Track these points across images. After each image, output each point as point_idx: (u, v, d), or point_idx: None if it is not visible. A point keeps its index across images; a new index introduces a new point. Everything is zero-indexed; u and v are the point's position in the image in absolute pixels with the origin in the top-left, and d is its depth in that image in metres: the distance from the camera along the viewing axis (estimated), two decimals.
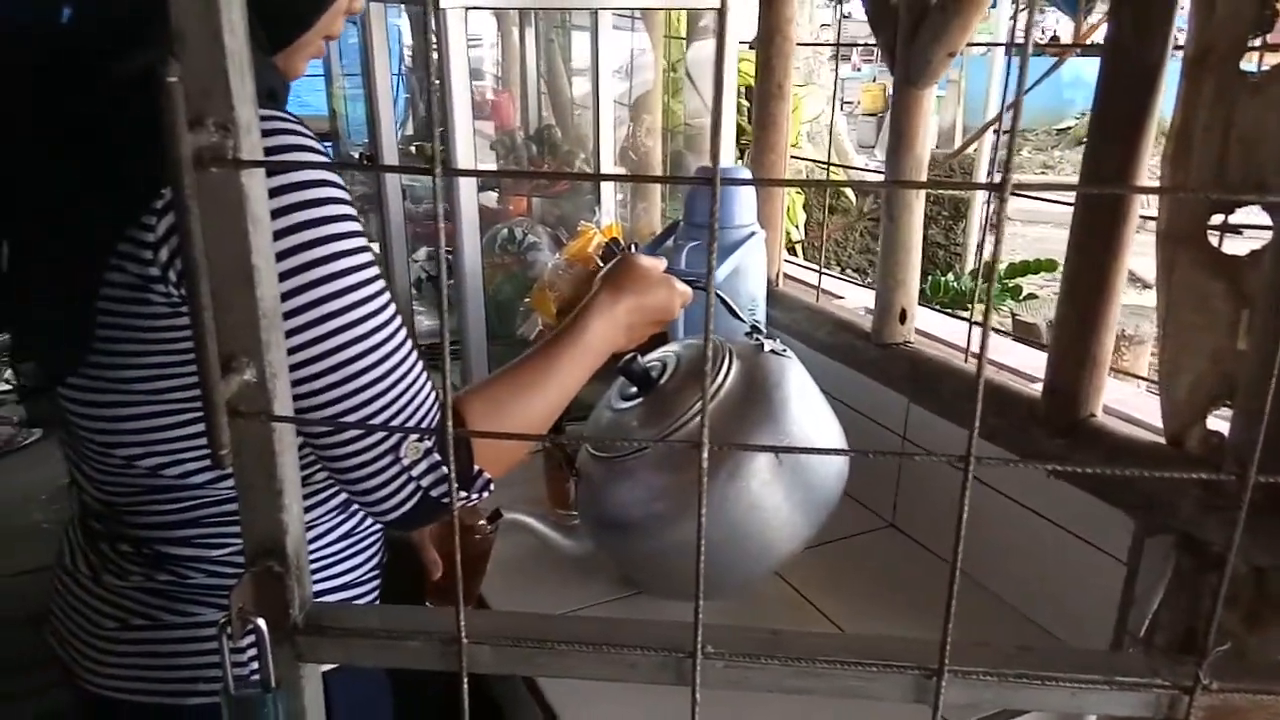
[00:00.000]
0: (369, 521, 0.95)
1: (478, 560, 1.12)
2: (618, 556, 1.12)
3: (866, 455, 0.66)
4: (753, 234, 1.37)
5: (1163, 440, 0.95)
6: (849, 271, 4.27)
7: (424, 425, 0.78)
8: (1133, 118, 0.92)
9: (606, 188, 1.94)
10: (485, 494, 0.85)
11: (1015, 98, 0.37)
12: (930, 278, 3.72)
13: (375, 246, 1.19)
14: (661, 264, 1.05)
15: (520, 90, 2.29)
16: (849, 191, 3.84)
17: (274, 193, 0.71)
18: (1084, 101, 10.69)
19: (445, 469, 0.79)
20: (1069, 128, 10.60)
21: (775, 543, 1.02)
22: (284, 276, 0.72)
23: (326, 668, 0.89)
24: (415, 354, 0.79)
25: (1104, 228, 0.97)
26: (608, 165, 1.87)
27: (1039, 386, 1.13)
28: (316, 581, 0.92)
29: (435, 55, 1.23)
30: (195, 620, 0.89)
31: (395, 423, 0.77)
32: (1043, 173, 9.58)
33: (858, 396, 1.21)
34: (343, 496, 0.91)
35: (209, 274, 0.61)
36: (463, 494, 0.83)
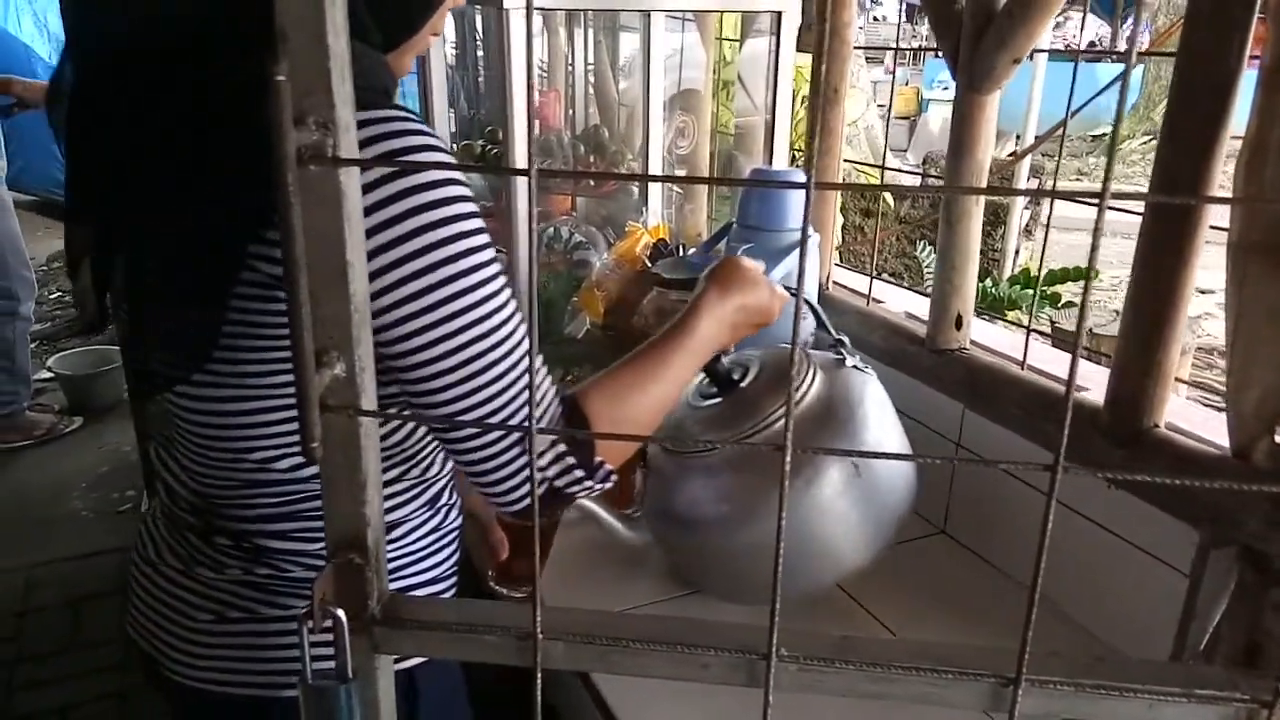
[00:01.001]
0: (453, 517, 0.97)
1: (544, 539, 1.12)
2: (679, 553, 1.13)
3: (950, 463, 0.66)
4: (807, 237, 1.37)
5: (1227, 452, 0.94)
6: (884, 275, 4.25)
7: (545, 419, 0.80)
8: (1206, 127, 0.91)
9: (654, 188, 1.94)
10: (608, 484, 0.85)
11: (1118, 106, 0.37)
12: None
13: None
14: (761, 266, 1.05)
15: (566, 90, 2.30)
16: (887, 195, 3.82)
17: (406, 192, 0.72)
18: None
19: (569, 460, 0.81)
20: (1105, 134, 10.49)
21: (842, 556, 1.02)
22: (415, 276, 0.73)
23: (413, 661, 0.91)
24: (525, 341, 0.79)
25: (1173, 237, 0.96)
26: (656, 166, 1.88)
27: (1087, 395, 1.13)
28: (404, 577, 0.93)
29: (505, 56, 1.23)
30: (293, 613, 0.89)
31: (518, 416, 0.78)
32: (1077, 179, 9.49)
33: (912, 402, 1.21)
34: (433, 493, 0.93)
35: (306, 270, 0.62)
36: (588, 484, 0.83)
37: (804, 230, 0.44)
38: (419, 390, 0.77)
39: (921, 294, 1.57)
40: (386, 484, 0.90)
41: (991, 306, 3.51)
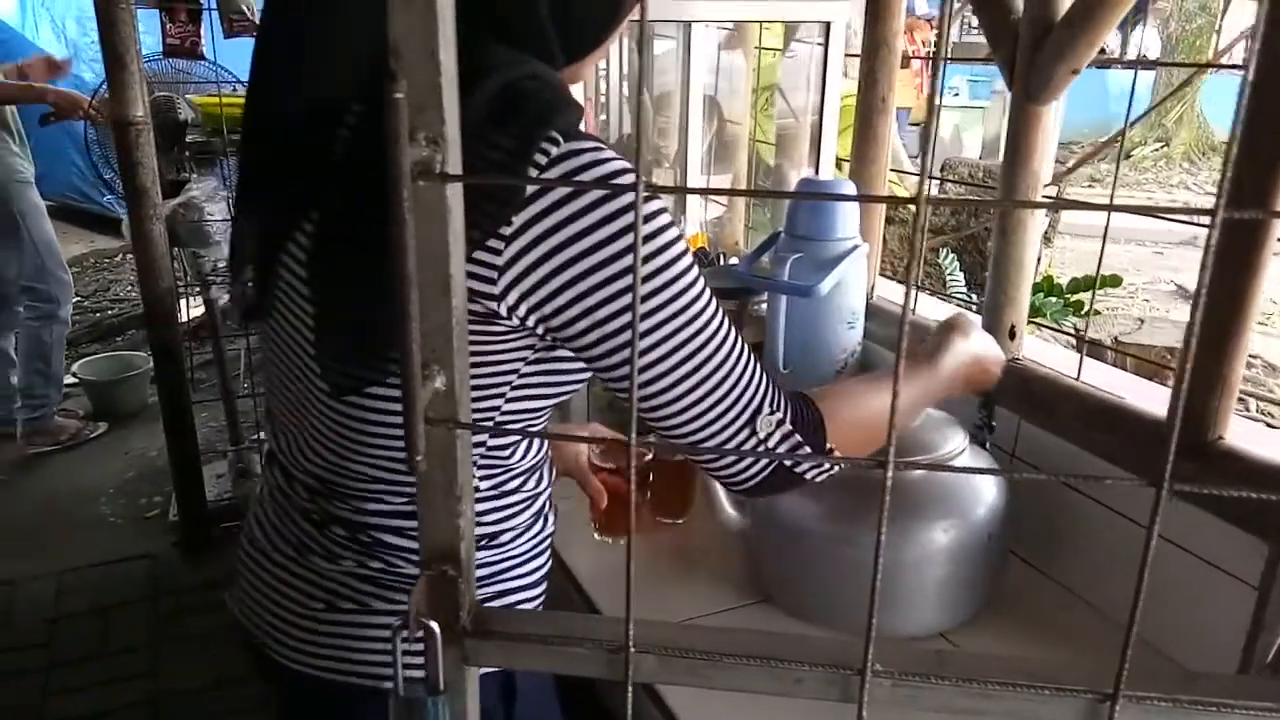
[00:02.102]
0: (552, 522, 0.98)
1: (680, 489, 1.26)
2: (770, 561, 1.14)
3: (1064, 484, 0.65)
4: (855, 247, 1.37)
5: None
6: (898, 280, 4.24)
7: (772, 402, 0.83)
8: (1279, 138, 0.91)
9: (692, 198, 1.95)
10: (836, 469, 0.90)
11: (1236, 118, 0.37)
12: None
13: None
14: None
15: (597, 99, 2.30)
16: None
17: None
18: (1132, 114, 10.54)
19: (796, 439, 0.84)
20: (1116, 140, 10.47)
21: (931, 609, 1.07)
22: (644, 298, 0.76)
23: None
24: (747, 350, 0.83)
25: (1240, 249, 0.96)
26: (694, 174, 1.88)
27: (1144, 406, 1.12)
28: (506, 579, 0.94)
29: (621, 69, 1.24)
30: (400, 609, 0.90)
31: (744, 403, 0.82)
32: (1089, 186, 9.46)
33: (964, 413, 1.20)
34: (541, 502, 0.95)
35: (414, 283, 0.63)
36: (819, 464, 0.87)
37: (913, 243, 0.44)
38: (649, 392, 0.80)
39: (944, 299, 1.57)
40: (505, 494, 0.91)
41: None
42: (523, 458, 0.91)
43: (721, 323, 0.81)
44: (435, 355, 0.65)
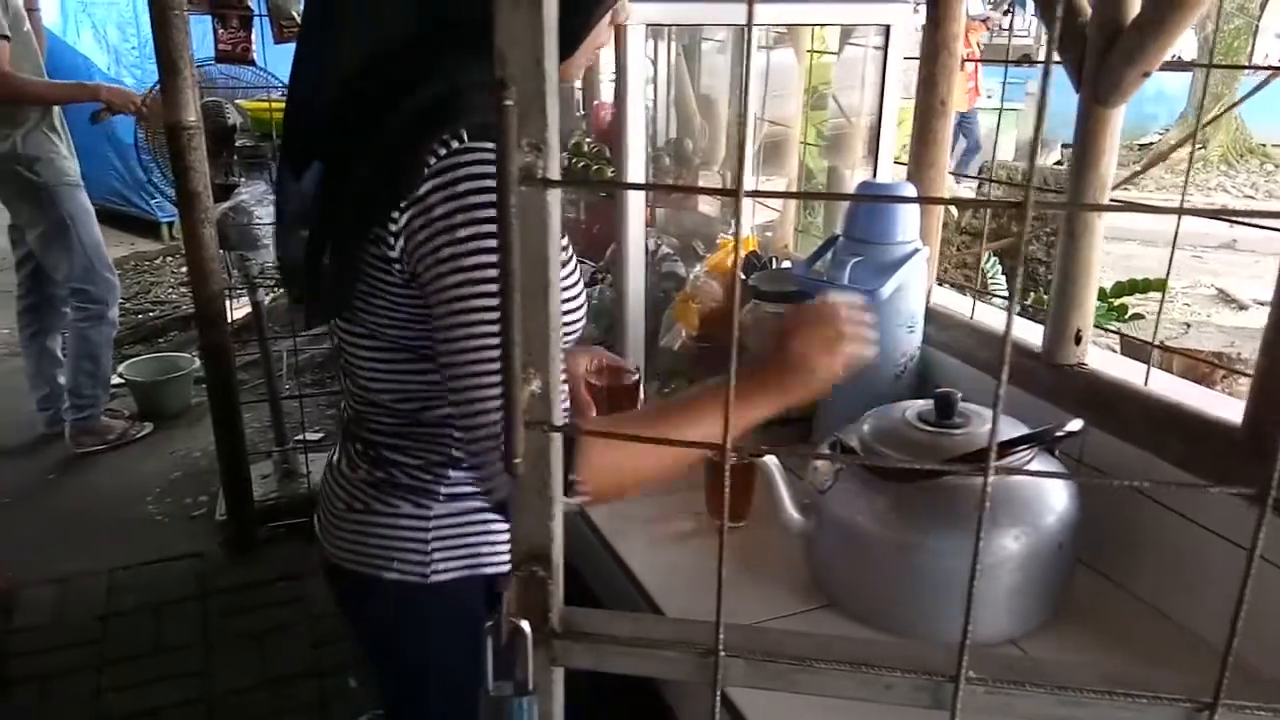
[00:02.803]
0: None
1: (625, 396, 1.25)
2: (832, 566, 1.13)
3: (1135, 490, 0.65)
4: (916, 250, 1.37)
5: None
6: (945, 286, 4.19)
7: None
8: None
9: (744, 202, 1.94)
10: (573, 502, 0.91)
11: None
12: (1033, 295, 3.65)
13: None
14: (845, 312, 1.03)
15: (643, 104, 2.31)
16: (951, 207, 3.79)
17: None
18: (1167, 116, 10.43)
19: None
20: (1151, 143, 10.33)
21: (1001, 616, 1.07)
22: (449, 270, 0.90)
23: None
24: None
25: None
26: (748, 178, 1.88)
27: (1213, 412, 1.11)
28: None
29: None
30: (396, 511, 1.08)
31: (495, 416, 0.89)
32: (1125, 190, 9.34)
33: (1028, 418, 1.19)
34: None
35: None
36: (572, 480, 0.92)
37: (1020, 250, 0.44)
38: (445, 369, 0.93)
39: (983, 302, 1.55)
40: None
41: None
42: None
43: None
44: (532, 359, 0.65)
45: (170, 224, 6.27)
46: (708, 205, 2.17)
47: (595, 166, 2.01)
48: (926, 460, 1.06)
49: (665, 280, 1.89)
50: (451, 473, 1.07)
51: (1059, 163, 8.93)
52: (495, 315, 0.83)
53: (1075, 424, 1.08)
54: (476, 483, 1.01)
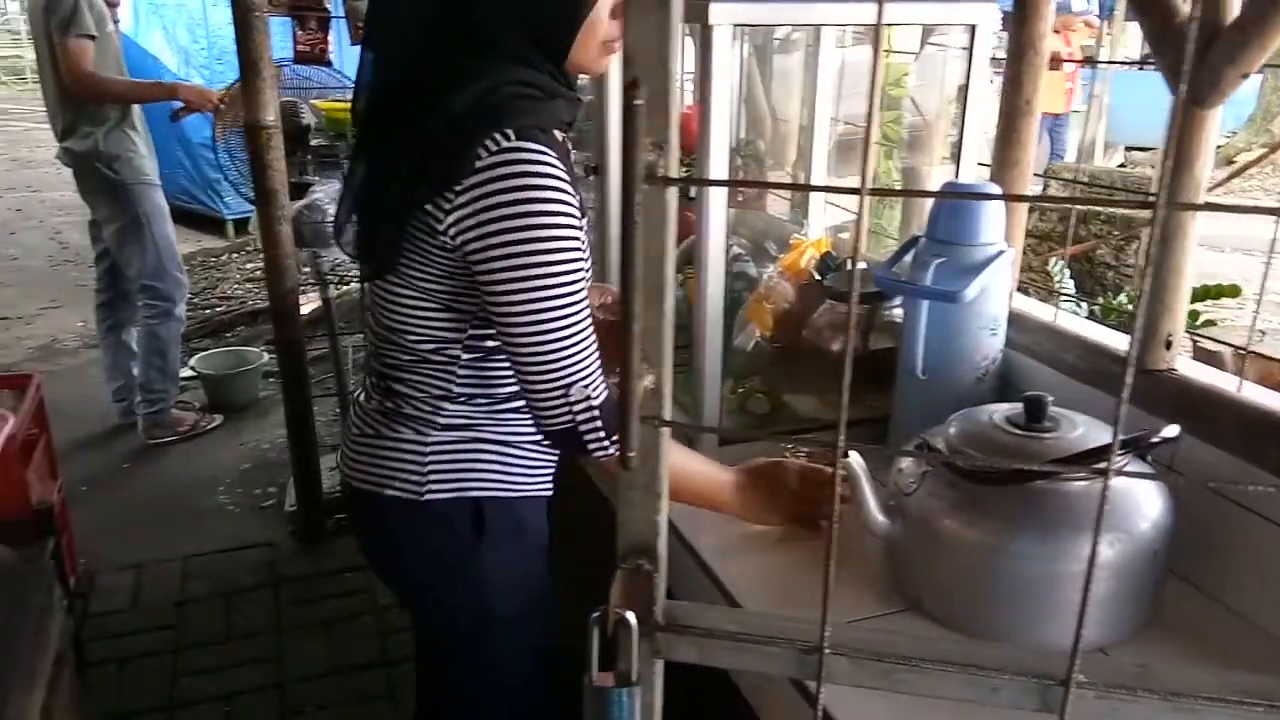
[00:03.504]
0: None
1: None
2: (917, 569, 1.13)
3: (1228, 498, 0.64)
4: (1000, 252, 1.35)
5: None
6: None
7: (591, 382, 1.10)
8: None
9: (815, 202, 1.94)
10: (612, 448, 1.12)
11: None
12: (1100, 299, 3.59)
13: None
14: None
15: (729, 105, 2.31)
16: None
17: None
18: (1234, 120, 10.14)
19: (597, 419, 1.11)
20: (1218, 146, 10.06)
21: (1092, 623, 1.05)
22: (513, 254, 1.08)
23: (483, 493, 1.25)
24: (592, 334, 1.11)
25: None
26: (820, 179, 1.88)
27: None
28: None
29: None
30: (399, 436, 1.25)
31: (572, 366, 1.09)
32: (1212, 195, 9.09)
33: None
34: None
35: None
36: (605, 444, 1.12)
37: (1148, 254, 0.43)
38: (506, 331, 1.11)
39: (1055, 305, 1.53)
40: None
41: (1126, 324, 3.40)
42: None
43: (582, 302, 1.09)
44: (646, 355, 0.66)
45: (235, 221, 6.43)
46: (778, 206, 2.17)
47: None
48: (1018, 465, 1.05)
49: (737, 280, 1.88)
50: (449, 406, 1.23)
51: (1122, 165, 8.75)
52: (550, 285, 1.06)
53: (1171, 430, 1.07)
54: (537, 425, 1.15)
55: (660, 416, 0.68)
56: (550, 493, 1.36)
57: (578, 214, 1.09)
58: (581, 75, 1.28)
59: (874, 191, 0.59)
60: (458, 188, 1.06)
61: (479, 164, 1.05)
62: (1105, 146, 8.67)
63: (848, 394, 0.64)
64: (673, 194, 0.65)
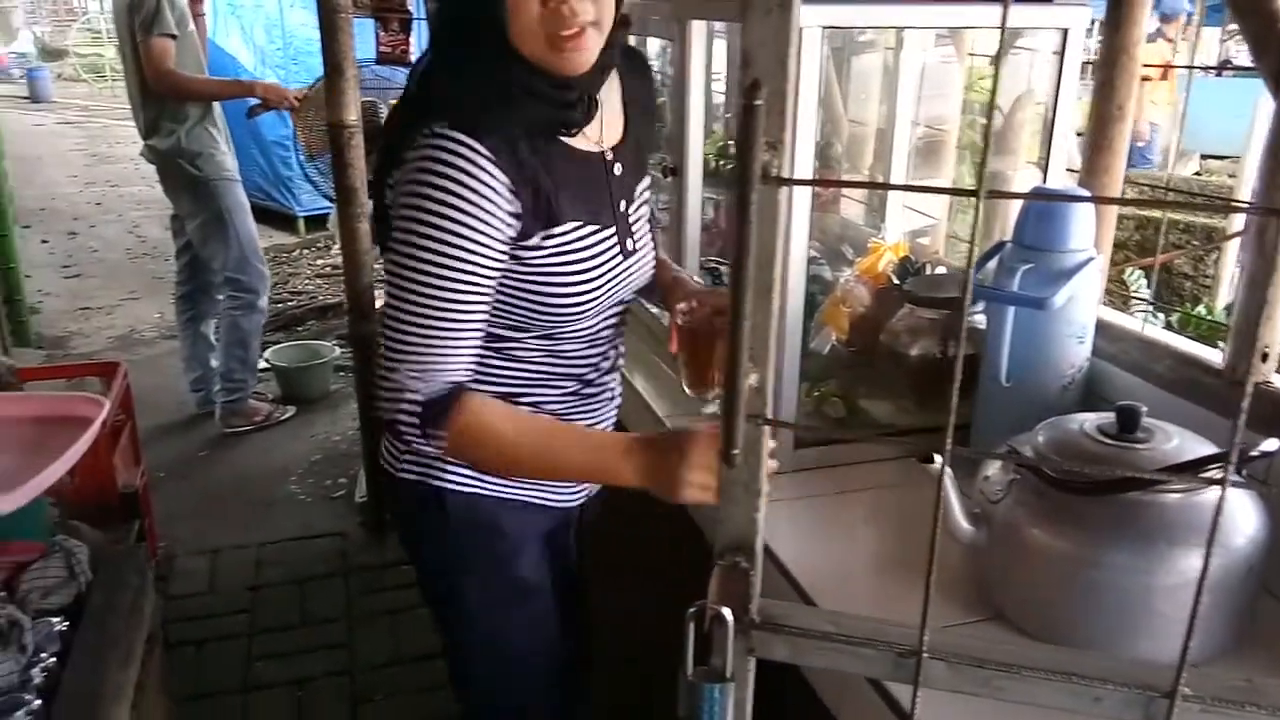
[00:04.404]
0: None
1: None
2: (1004, 578, 1.12)
3: None
4: (1090, 259, 1.33)
5: None
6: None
7: (420, 370, 1.10)
8: None
9: (893, 206, 1.93)
10: (429, 449, 1.14)
11: None
12: (1177, 310, 3.50)
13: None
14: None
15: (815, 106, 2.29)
16: None
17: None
18: None
19: (418, 408, 1.11)
20: None
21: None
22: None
23: (447, 484, 1.27)
24: (441, 321, 1.10)
25: None
26: (898, 180, 1.86)
27: None
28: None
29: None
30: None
31: (402, 347, 1.10)
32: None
33: (1211, 437, 1.15)
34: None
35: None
36: (417, 442, 1.13)
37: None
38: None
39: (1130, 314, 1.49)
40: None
41: (1207, 335, 3.31)
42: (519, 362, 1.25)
43: (444, 298, 1.09)
44: (753, 353, 0.67)
45: (307, 219, 6.57)
46: (852, 209, 2.15)
47: None
48: (1121, 473, 1.04)
49: (811, 284, 1.88)
50: None
51: (1198, 173, 8.50)
52: (411, 272, 1.09)
53: (1271, 443, 1.04)
54: (377, 396, 1.14)
55: (763, 415, 0.69)
56: (555, 504, 1.35)
57: (482, 214, 1.08)
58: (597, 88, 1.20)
59: (992, 194, 0.59)
60: (396, 170, 1.13)
61: (409, 150, 1.10)
62: (1181, 154, 8.44)
63: (955, 397, 0.64)
64: (784, 194, 0.65)
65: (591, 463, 1.18)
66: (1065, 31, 1.40)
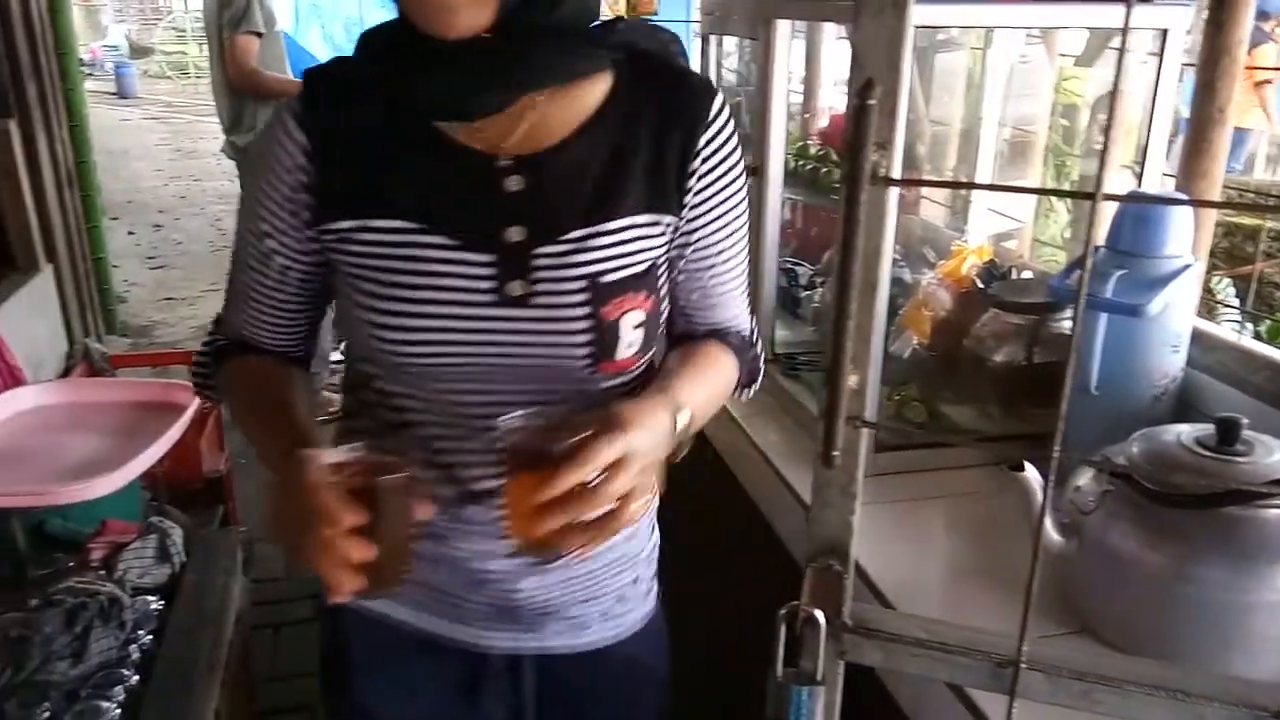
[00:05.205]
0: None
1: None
2: (1094, 591, 1.09)
3: None
4: (1186, 266, 1.29)
5: None
6: None
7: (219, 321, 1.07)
8: None
9: (977, 208, 1.90)
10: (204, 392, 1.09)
11: None
12: (1269, 321, 3.37)
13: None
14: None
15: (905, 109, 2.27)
16: None
17: None
18: None
19: (200, 355, 1.07)
20: None
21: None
22: None
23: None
24: (243, 274, 1.01)
25: None
26: (983, 181, 1.83)
27: None
28: None
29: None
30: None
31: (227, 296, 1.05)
32: None
33: None
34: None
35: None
36: (198, 385, 1.08)
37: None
38: None
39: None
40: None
41: None
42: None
43: (238, 250, 1.01)
44: (854, 355, 0.66)
45: None
46: (932, 210, 2.12)
47: (824, 169, 2.00)
48: (1211, 488, 1.01)
49: (891, 286, 1.86)
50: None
51: None
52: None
53: None
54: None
55: (862, 417, 0.68)
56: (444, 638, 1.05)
57: (266, 169, 0.95)
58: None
59: (1109, 197, 0.57)
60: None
61: None
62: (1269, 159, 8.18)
63: (1064, 404, 0.63)
64: (892, 194, 0.65)
65: (262, 452, 0.96)
66: (1164, 32, 1.36)
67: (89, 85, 3.12)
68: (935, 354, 1.66)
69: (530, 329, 0.92)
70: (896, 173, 0.63)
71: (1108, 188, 0.53)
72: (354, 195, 0.92)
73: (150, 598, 1.40)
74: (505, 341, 0.92)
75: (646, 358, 0.99)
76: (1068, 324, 1.51)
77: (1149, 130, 1.40)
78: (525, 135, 0.92)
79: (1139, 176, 1.44)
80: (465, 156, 0.92)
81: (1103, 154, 0.51)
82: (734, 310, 1.06)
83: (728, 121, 0.96)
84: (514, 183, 0.92)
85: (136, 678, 1.27)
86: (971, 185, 1.81)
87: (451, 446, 0.97)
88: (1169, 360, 1.33)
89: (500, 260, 0.91)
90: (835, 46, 2.32)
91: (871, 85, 0.57)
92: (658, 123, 0.94)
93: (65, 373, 2.73)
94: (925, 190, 2.07)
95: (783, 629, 0.74)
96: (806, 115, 2.34)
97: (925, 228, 2.04)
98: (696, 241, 0.99)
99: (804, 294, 2.03)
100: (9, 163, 2.52)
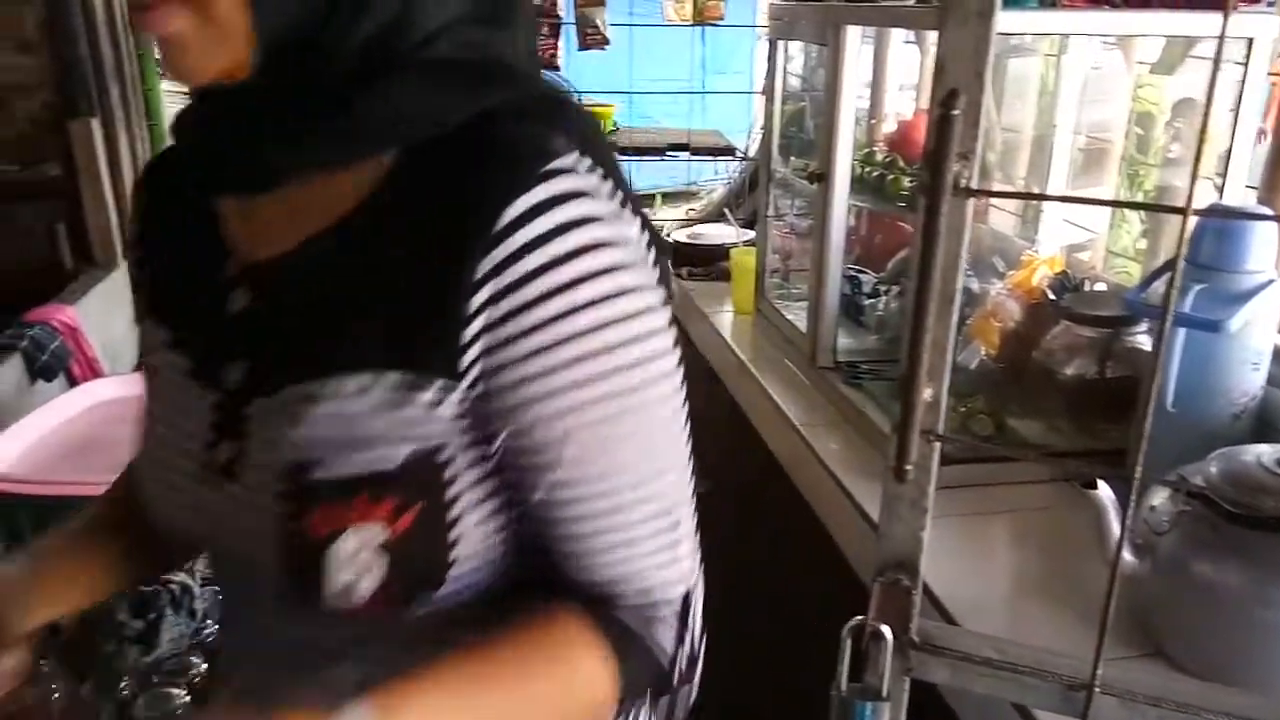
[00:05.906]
0: None
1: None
2: (1168, 613, 1.07)
3: None
4: (1270, 282, 1.25)
5: None
6: None
7: None
8: None
9: (1049, 218, 1.86)
10: None
11: None
12: None
13: None
14: None
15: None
16: None
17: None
18: None
19: None
20: None
21: None
22: None
23: None
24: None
25: None
26: (1057, 190, 1.79)
27: None
28: None
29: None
30: None
31: None
32: None
33: None
34: None
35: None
36: None
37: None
38: None
39: None
40: None
41: None
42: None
43: None
44: (930, 367, 0.66)
45: None
46: (1002, 220, 2.08)
47: (891, 176, 1.98)
48: None
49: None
50: None
51: None
52: None
53: None
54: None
55: (936, 431, 0.68)
56: None
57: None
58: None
59: (1199, 212, 0.56)
60: None
61: None
62: None
63: (1147, 423, 0.61)
64: (970, 204, 0.64)
65: None
66: (1250, 40, 1.32)
67: (164, 85, 3.21)
68: (1003, 365, 1.63)
69: (238, 524, 0.66)
70: (975, 183, 0.62)
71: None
72: (145, 283, 0.76)
73: (217, 587, 1.43)
74: (224, 529, 0.68)
75: (424, 608, 0.64)
76: (1143, 338, 1.48)
77: (1231, 141, 1.36)
78: (261, 229, 0.65)
79: (1220, 189, 1.40)
80: (214, 252, 0.68)
81: (1194, 167, 0.50)
82: (622, 565, 0.66)
83: (554, 232, 0.59)
84: (239, 298, 0.67)
85: (205, 665, 1.30)
86: (1055, 198, 1.78)
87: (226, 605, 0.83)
88: (1249, 378, 1.29)
89: (221, 404, 0.66)
90: (902, 51, 2.29)
91: (956, 95, 0.56)
92: (429, 231, 0.60)
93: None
94: (995, 199, 2.03)
95: (848, 643, 0.73)
96: (873, 121, 2.32)
97: (995, 236, 2.00)
98: (515, 431, 0.62)
99: (867, 302, 2.01)
100: (91, 160, 2.60)
